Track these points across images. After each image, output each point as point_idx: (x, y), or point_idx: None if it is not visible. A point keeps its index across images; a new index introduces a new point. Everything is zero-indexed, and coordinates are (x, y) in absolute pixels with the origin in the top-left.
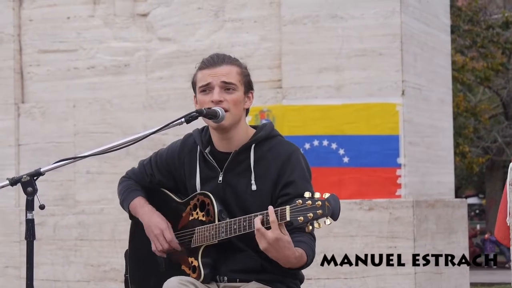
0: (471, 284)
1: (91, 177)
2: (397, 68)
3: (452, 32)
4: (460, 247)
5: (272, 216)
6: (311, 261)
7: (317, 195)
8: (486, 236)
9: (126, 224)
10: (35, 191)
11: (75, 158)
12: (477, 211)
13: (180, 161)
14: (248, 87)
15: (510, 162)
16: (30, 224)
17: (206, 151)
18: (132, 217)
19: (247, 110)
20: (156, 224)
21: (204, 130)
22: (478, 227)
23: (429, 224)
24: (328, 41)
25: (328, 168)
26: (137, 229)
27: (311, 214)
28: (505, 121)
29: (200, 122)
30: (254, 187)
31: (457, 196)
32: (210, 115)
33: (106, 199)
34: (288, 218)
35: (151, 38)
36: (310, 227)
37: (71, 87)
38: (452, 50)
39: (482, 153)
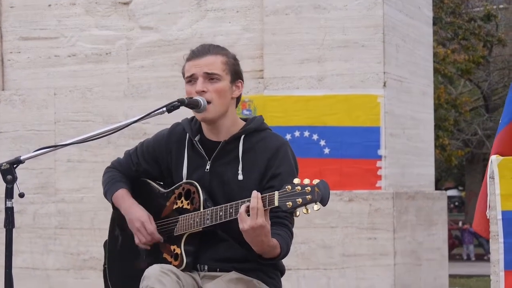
0: (450, 276)
1: (72, 166)
2: (379, 60)
3: (434, 24)
4: (440, 239)
5: (253, 203)
6: (284, 255)
7: (306, 181)
8: (465, 226)
9: (106, 213)
10: (14, 179)
11: (56, 147)
12: (457, 203)
13: (167, 149)
14: (235, 76)
15: (490, 155)
16: (9, 212)
17: (195, 139)
18: (115, 207)
19: (237, 100)
20: (138, 217)
21: (194, 119)
22: (460, 224)
23: (409, 215)
24: (310, 32)
25: (309, 159)
26: (118, 218)
27: (300, 200)
28: (485, 114)
29: (182, 111)
30: (240, 177)
31: (437, 188)
32: (192, 104)
33: (87, 188)
34: (276, 203)
35: (133, 27)
36: (298, 213)
37: (51, 74)
38: (434, 42)
39: (462, 145)
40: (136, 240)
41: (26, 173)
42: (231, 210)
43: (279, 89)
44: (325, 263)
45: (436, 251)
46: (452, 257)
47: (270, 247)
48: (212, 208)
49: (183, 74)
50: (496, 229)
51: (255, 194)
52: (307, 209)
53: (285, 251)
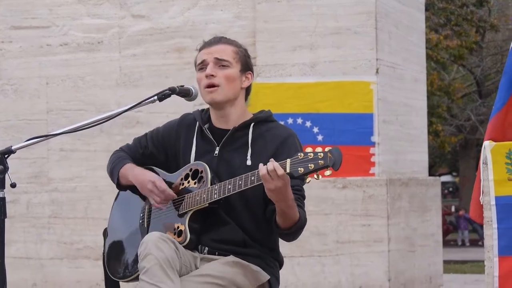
0: (444, 261)
1: (65, 155)
2: (371, 47)
3: (427, 10)
4: (434, 225)
5: (270, 166)
6: (303, 222)
7: (319, 149)
8: (461, 212)
9: (99, 202)
10: (6, 169)
11: (47, 136)
12: (451, 189)
13: (177, 136)
14: (246, 66)
15: (484, 140)
16: (1, 203)
17: (205, 126)
18: (119, 187)
19: (247, 92)
20: (148, 178)
21: (205, 110)
22: (453, 208)
23: (402, 202)
24: (302, 19)
25: (303, 146)
26: (120, 202)
27: (312, 165)
28: (478, 100)
29: (175, 100)
30: (249, 162)
31: (430, 174)
32: (183, 93)
33: (80, 177)
34: (288, 170)
35: (125, 15)
36: (308, 179)
37: (43, 64)
38: (427, 28)
39: (456, 131)
40: (152, 201)
41: (19, 162)
42: (240, 182)
43: (272, 76)
44: (319, 250)
45: (430, 237)
46: (446, 243)
47: (293, 204)
48: (220, 183)
49: (195, 64)
50: (490, 215)
51: (262, 165)
52: (318, 175)
53: (303, 217)
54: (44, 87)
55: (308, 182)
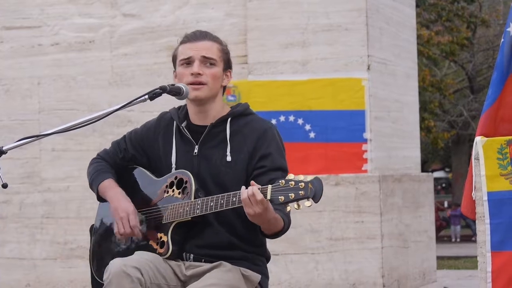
0: (438, 257)
1: (57, 155)
2: (362, 43)
3: (417, 6)
4: (427, 221)
5: (250, 191)
6: (288, 227)
7: (300, 177)
8: (448, 213)
9: (92, 202)
10: None
11: (39, 136)
12: (444, 185)
13: (155, 137)
14: (227, 65)
15: (475, 136)
16: None
17: (182, 125)
18: (100, 199)
19: (223, 88)
20: (124, 208)
21: (181, 108)
22: (446, 204)
23: (395, 198)
24: (293, 17)
25: (295, 144)
26: (105, 207)
27: (293, 195)
28: (470, 95)
29: (168, 99)
30: (229, 158)
31: (423, 170)
32: (174, 91)
33: (72, 177)
34: (268, 197)
35: (116, 14)
36: (288, 208)
37: (35, 64)
38: (418, 25)
39: (448, 127)
40: (115, 229)
41: (11, 162)
42: (222, 201)
43: (263, 74)
44: (312, 247)
45: (424, 233)
46: (439, 239)
47: (275, 220)
48: (203, 198)
49: (175, 57)
50: (482, 210)
51: (244, 189)
52: (298, 205)
53: (287, 223)
54: (36, 87)
55: (288, 211)
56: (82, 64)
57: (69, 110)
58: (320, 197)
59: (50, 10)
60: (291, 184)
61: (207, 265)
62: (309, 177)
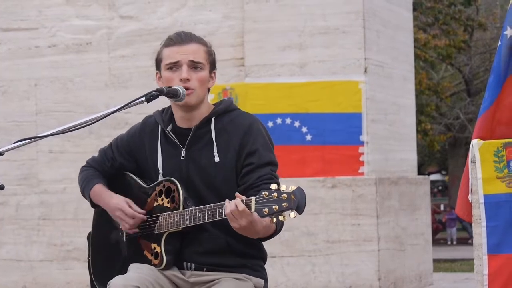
0: (434, 260)
1: (54, 156)
2: (359, 46)
3: (414, 9)
4: (423, 223)
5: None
6: (280, 228)
7: (283, 187)
8: (444, 218)
9: (89, 204)
10: None
11: (35, 138)
12: (440, 188)
13: (141, 141)
14: (213, 66)
15: (472, 139)
16: None
17: (168, 129)
18: (94, 205)
19: (208, 90)
20: (115, 205)
21: (165, 110)
22: (442, 207)
23: (392, 201)
24: (291, 19)
25: (291, 146)
26: (100, 211)
27: (277, 207)
28: (467, 98)
29: (162, 100)
30: (217, 159)
31: (419, 173)
32: (171, 93)
33: (69, 179)
34: (253, 209)
35: (113, 16)
36: (275, 219)
37: (32, 65)
38: (415, 28)
39: (445, 130)
40: (123, 228)
41: (8, 164)
42: (209, 212)
43: (261, 76)
44: (309, 250)
45: (420, 236)
46: (436, 242)
47: (265, 228)
48: (191, 208)
49: (159, 60)
50: (479, 213)
51: (228, 202)
52: (283, 216)
53: (280, 226)
54: (33, 88)
55: (274, 222)
56: (79, 66)
57: (66, 112)
58: (304, 208)
59: (47, 12)
60: (274, 196)
61: (211, 275)
62: (292, 187)
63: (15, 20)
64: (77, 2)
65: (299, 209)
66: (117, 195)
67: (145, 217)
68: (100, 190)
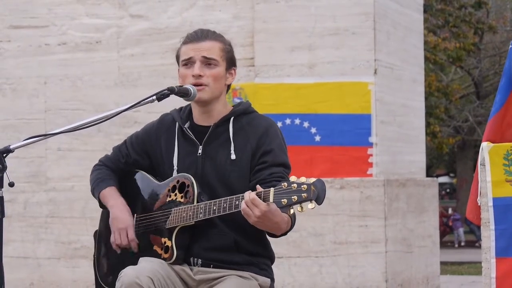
0: (441, 263)
1: (62, 154)
2: (369, 47)
3: (425, 11)
4: (431, 226)
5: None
6: (293, 224)
7: (303, 179)
8: (450, 222)
9: (97, 202)
10: (4, 168)
11: (45, 135)
12: (448, 190)
13: (157, 138)
14: (231, 63)
15: (482, 141)
16: None
17: (185, 126)
18: (102, 206)
19: (228, 86)
20: (124, 220)
21: (183, 109)
22: (450, 211)
23: (400, 203)
24: (301, 20)
25: (300, 147)
26: (107, 214)
27: (296, 197)
28: (476, 101)
29: (174, 100)
30: (233, 156)
31: (428, 175)
32: (182, 93)
33: (77, 176)
34: (271, 200)
35: (123, 15)
36: (292, 210)
37: (42, 63)
38: (425, 30)
39: (454, 132)
40: (112, 239)
41: (17, 161)
42: (225, 205)
43: (270, 77)
44: (316, 251)
45: (427, 238)
46: (443, 244)
47: (286, 224)
48: (206, 202)
49: (178, 57)
50: (488, 216)
51: (247, 194)
52: (301, 207)
53: (293, 221)
54: (43, 86)
55: (291, 214)
56: (89, 64)
57: (75, 110)
58: (323, 199)
59: (57, 10)
60: (294, 187)
61: (217, 272)
62: (312, 179)
63: (25, 17)
64: (87, 0)
65: (319, 200)
66: (128, 209)
67: (137, 248)
68: (111, 194)
